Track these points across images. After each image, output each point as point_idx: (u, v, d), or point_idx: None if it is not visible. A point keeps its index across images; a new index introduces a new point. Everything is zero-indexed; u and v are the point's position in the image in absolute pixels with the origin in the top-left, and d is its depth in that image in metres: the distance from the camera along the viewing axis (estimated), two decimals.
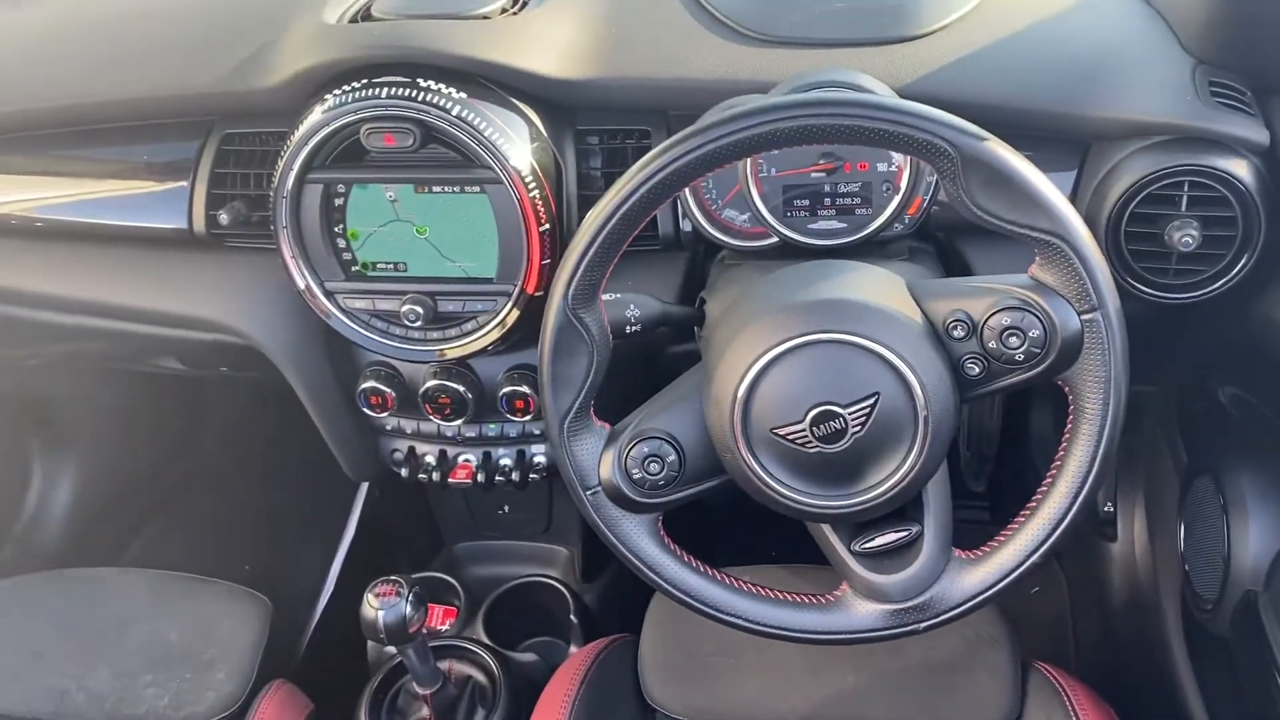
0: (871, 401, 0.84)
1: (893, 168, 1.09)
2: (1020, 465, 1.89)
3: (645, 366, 1.26)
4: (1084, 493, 0.87)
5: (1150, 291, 1.06)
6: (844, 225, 1.10)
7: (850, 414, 0.84)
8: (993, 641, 1.19)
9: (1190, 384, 1.40)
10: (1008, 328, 0.84)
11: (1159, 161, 1.02)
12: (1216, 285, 1.04)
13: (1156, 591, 1.45)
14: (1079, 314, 0.83)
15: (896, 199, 1.08)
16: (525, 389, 1.26)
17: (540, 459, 1.37)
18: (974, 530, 0.92)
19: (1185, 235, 1.01)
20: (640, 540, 0.94)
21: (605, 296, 0.93)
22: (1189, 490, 1.30)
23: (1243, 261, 1.03)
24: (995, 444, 1.87)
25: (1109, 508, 1.62)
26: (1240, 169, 1.01)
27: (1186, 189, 1.02)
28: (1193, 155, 1.02)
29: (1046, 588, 1.83)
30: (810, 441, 0.85)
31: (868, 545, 0.92)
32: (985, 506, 1.97)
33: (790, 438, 0.85)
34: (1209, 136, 1.02)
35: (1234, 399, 1.30)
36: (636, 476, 0.91)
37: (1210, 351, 1.33)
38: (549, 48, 1.15)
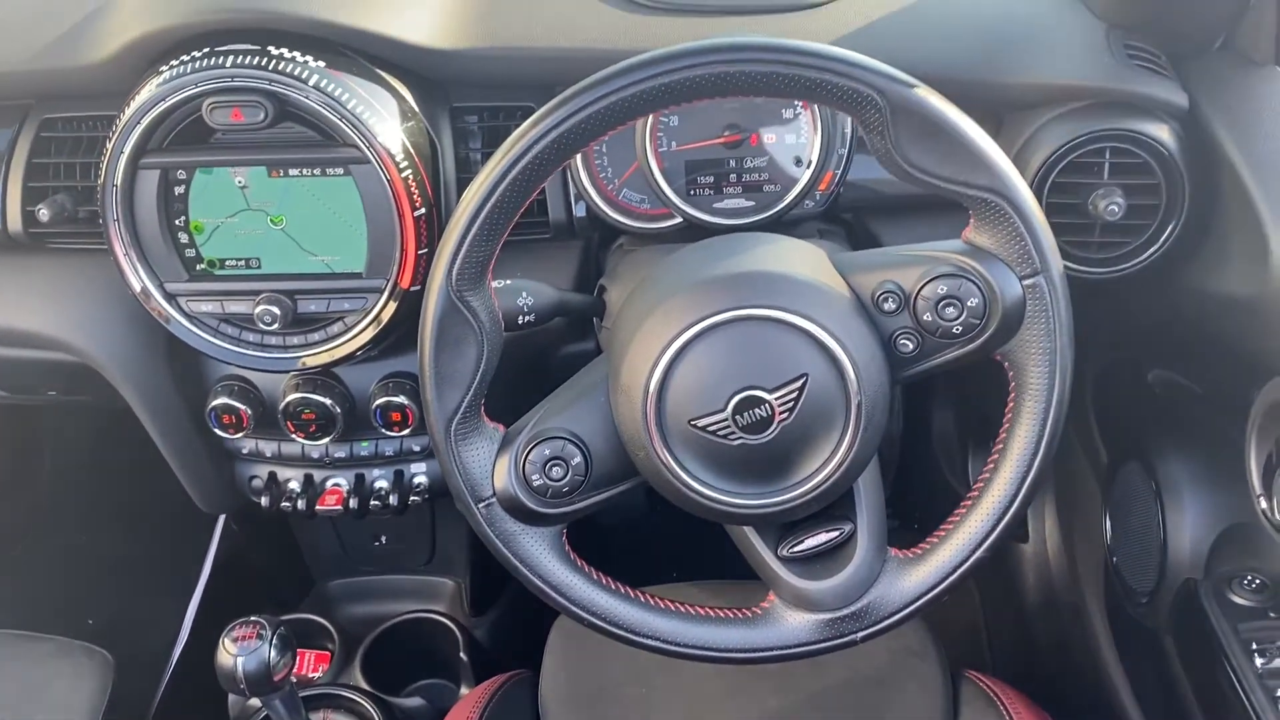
0: (799, 384, 0.75)
1: (802, 139, 1.02)
2: (923, 468, 1.84)
3: (536, 369, 1.15)
4: (1030, 477, 0.79)
5: (1076, 267, 1.01)
6: (751, 204, 1.03)
7: (777, 399, 0.75)
8: (920, 652, 1.12)
9: (1109, 369, 1.36)
10: (943, 297, 0.76)
11: (1078, 127, 0.98)
12: (1144, 257, 1.00)
13: (1076, 589, 1.41)
14: (1020, 279, 0.76)
15: (807, 174, 1.01)
16: (402, 399, 1.13)
17: (421, 479, 1.24)
18: None
19: (1110, 204, 0.96)
20: (542, 557, 0.83)
21: (495, 284, 0.82)
22: (1114, 479, 1.26)
23: (1169, 229, 0.99)
24: (897, 447, 1.82)
25: None
26: (1162, 132, 0.98)
27: (1108, 155, 0.98)
28: (1112, 120, 0.98)
29: (957, 596, 1.77)
30: (733, 432, 0.76)
31: (796, 549, 0.83)
32: (890, 513, 1.91)
33: (711, 429, 0.76)
34: (1128, 100, 0.99)
35: (1160, 380, 1.26)
36: (537, 483, 0.80)
37: (1134, 333, 1.30)
38: (418, 12, 1.04)
